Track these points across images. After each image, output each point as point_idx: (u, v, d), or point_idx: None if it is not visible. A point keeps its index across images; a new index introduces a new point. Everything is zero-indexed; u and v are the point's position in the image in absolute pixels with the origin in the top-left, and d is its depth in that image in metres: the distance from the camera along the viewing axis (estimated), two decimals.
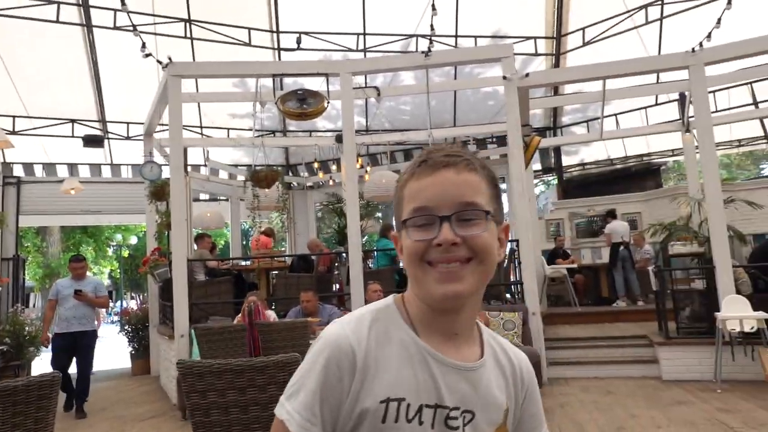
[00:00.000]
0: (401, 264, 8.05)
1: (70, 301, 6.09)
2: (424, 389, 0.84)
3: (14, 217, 10.39)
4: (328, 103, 7.07)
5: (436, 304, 0.86)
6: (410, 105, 11.70)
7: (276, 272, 7.77)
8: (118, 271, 24.70)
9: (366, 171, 9.59)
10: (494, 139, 11.26)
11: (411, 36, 10.19)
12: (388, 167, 9.80)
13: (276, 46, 10.33)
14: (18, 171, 11.01)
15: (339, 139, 9.73)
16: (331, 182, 11.00)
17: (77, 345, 6.09)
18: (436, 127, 9.02)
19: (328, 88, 7.11)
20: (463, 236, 0.82)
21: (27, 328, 8.43)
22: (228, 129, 11.51)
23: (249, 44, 9.94)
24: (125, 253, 23.96)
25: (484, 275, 0.85)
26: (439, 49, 8.13)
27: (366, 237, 11.82)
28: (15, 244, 10.51)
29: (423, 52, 6.93)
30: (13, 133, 10.04)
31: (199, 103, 10.62)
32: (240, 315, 5.85)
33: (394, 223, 0.96)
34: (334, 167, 10.92)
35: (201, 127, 11.30)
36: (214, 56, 9.94)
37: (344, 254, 7.93)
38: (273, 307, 6.78)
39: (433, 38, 7.53)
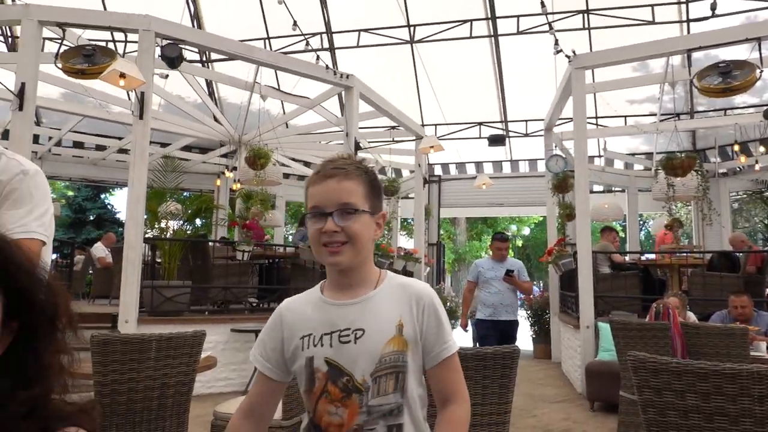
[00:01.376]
0: None
1: (493, 284, 5.59)
2: (321, 324, 1.25)
3: (437, 210, 12.34)
4: (761, 72, 5.93)
5: (330, 268, 1.28)
6: None
7: (691, 269, 6.98)
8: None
9: None
10: None
11: None
12: None
13: (685, 18, 9.26)
14: (438, 170, 13.01)
15: None
16: (756, 167, 9.24)
17: (502, 335, 5.54)
18: None
19: (761, 53, 5.97)
20: (342, 226, 1.22)
21: (448, 304, 9.88)
22: (625, 116, 10.96)
23: (653, 22, 9.20)
24: (519, 243, 25.68)
25: (356, 251, 1.24)
26: None
27: None
28: (437, 232, 12.49)
29: None
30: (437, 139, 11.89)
31: (594, 93, 10.44)
32: (649, 315, 5.48)
33: None
34: (761, 149, 9.13)
35: (596, 117, 11.09)
36: (612, 42, 9.58)
37: None
38: (688, 308, 6.10)
39: None
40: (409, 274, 9.81)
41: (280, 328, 1.31)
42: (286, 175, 12.02)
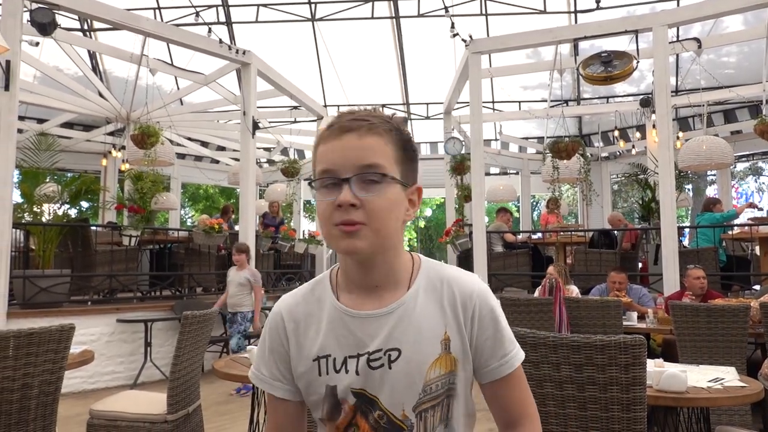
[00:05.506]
0: (723, 244, 6.95)
1: None
2: (345, 343, 0.95)
3: None
4: (638, 62, 6.41)
5: (345, 259, 0.97)
6: (735, 56, 9.84)
7: (575, 247, 7.47)
8: (416, 240, 27.31)
9: (677, 137, 8.44)
10: None
11: None
12: (705, 132, 8.45)
13: (573, 9, 9.78)
14: None
15: (644, 103, 8.76)
16: (633, 151, 10.04)
17: None
18: None
19: (637, 46, 6.43)
20: (362, 198, 0.88)
21: None
22: (519, 102, 11.46)
23: (544, 11, 9.63)
24: (421, 224, 26.29)
25: (382, 235, 0.90)
26: None
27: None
28: None
29: None
30: None
31: (491, 78, 10.81)
32: (540, 288, 5.81)
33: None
34: (637, 135, 9.92)
35: (493, 102, 11.50)
36: (507, 30, 9.94)
37: (652, 230, 7.17)
38: (572, 283, 6.54)
39: None
40: (312, 256, 9.72)
41: (284, 340, 1.00)
42: (181, 155, 11.42)
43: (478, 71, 7.09)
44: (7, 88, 5.42)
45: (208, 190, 20.44)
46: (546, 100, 10.06)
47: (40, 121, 10.04)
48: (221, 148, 12.11)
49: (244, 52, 7.36)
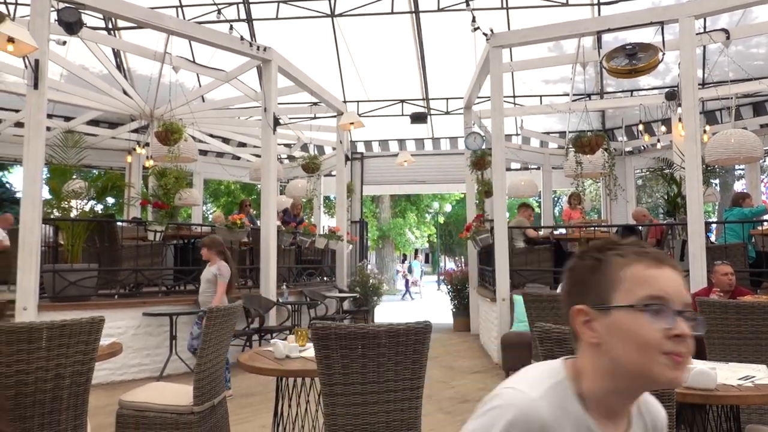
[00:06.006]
0: (752, 240, 6.79)
1: None
2: None
3: (359, 187, 12.30)
4: (663, 55, 6.29)
5: (653, 386, 0.91)
6: (765, 47, 9.60)
7: None
8: (435, 235, 27.27)
9: (704, 130, 8.27)
10: None
11: None
12: (733, 125, 8.27)
13: (596, 1, 9.63)
14: (360, 148, 12.94)
15: (670, 96, 8.61)
16: (658, 145, 9.87)
17: None
18: None
19: (663, 38, 6.31)
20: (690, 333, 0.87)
21: (371, 281, 9.93)
22: (541, 96, 11.34)
23: (566, 4, 9.50)
24: (441, 219, 26.26)
25: None
26: None
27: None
28: (360, 209, 12.48)
29: None
30: (359, 116, 11.79)
31: (512, 72, 10.71)
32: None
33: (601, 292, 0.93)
34: (662, 128, 9.74)
35: (514, 96, 11.39)
36: (528, 23, 9.83)
37: (678, 226, 7.05)
38: None
39: None
40: (332, 252, 9.76)
41: None
42: (203, 152, 11.54)
43: (499, 65, 7.03)
44: (36, 86, 5.54)
45: (230, 186, 20.65)
46: (568, 94, 9.94)
47: (67, 118, 10.23)
48: (242, 145, 12.21)
49: (264, 49, 7.41)
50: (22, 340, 2.40)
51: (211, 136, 11.37)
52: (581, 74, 10.31)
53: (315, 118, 10.44)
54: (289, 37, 10.68)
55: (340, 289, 9.38)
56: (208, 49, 8.05)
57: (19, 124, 9.87)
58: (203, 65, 9.24)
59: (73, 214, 6.21)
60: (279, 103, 8.60)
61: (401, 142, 12.83)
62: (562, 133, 11.37)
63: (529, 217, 7.95)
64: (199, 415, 3.11)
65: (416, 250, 31.20)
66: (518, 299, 5.90)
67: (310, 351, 3.20)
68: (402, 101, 11.99)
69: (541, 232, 8.37)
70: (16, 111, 9.64)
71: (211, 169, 12.34)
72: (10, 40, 4.87)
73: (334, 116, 10.12)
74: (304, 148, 12.24)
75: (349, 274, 10.08)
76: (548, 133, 11.75)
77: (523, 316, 5.71)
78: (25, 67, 8.24)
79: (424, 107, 11.89)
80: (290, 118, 10.67)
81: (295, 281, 8.48)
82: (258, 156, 11.28)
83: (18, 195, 18.76)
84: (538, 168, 11.76)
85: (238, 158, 12.66)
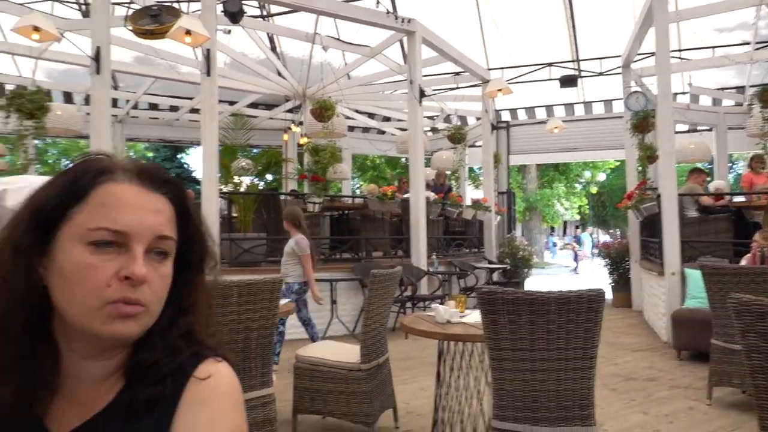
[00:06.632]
0: None
1: None
2: None
3: (506, 157, 11.97)
4: None
5: None
6: None
7: None
8: (587, 207, 25.75)
9: None
10: None
11: None
12: None
13: None
14: (505, 117, 12.54)
15: None
16: None
17: None
18: None
19: None
20: None
21: (521, 252, 9.68)
22: (713, 47, 10.03)
23: None
24: (593, 189, 24.69)
25: None
26: None
27: None
28: (506, 180, 12.16)
29: None
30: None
31: (678, 23, 9.59)
32: (749, 257, 5.11)
33: None
34: None
35: (680, 50, 10.22)
36: None
37: None
38: None
39: None
40: (480, 223, 9.66)
41: None
42: (351, 128, 11.98)
43: (665, 15, 6.34)
44: (208, 73, 6.12)
45: (375, 161, 21.31)
46: (749, 43, 8.68)
47: (231, 103, 11.21)
48: (387, 119, 12.47)
49: (408, 21, 7.43)
50: (217, 296, 2.69)
51: (357, 111, 11.76)
52: (766, 18, 8.94)
53: (458, 87, 10.30)
54: (431, 6, 10.59)
55: (489, 260, 9.28)
56: (352, 27, 8.26)
57: (193, 111, 11.04)
58: (349, 43, 9.53)
59: (243, 188, 6.82)
60: (423, 75, 8.60)
61: (549, 109, 12.21)
62: (740, 88, 10.01)
63: (702, 184, 7.14)
64: (366, 372, 3.27)
65: (565, 222, 29.76)
66: (692, 273, 5.36)
67: (469, 317, 3.21)
68: (549, 65, 11.35)
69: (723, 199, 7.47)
70: (190, 99, 10.77)
71: (358, 145, 12.80)
72: (188, 32, 5.41)
73: (478, 85, 9.89)
74: (447, 119, 12.18)
75: (497, 245, 9.92)
76: (723, 89, 10.42)
77: (697, 292, 5.20)
78: (197, 57, 9.13)
79: (574, 69, 11.15)
80: (433, 90, 10.65)
81: (443, 252, 8.55)
82: (403, 129, 11.44)
83: (194, 174, 21.16)
84: (710, 129, 10.50)
85: (383, 132, 12.97)
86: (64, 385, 0.72)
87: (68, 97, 10.62)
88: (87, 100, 9.94)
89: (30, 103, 6.24)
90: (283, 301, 3.39)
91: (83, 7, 10.57)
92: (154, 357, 0.72)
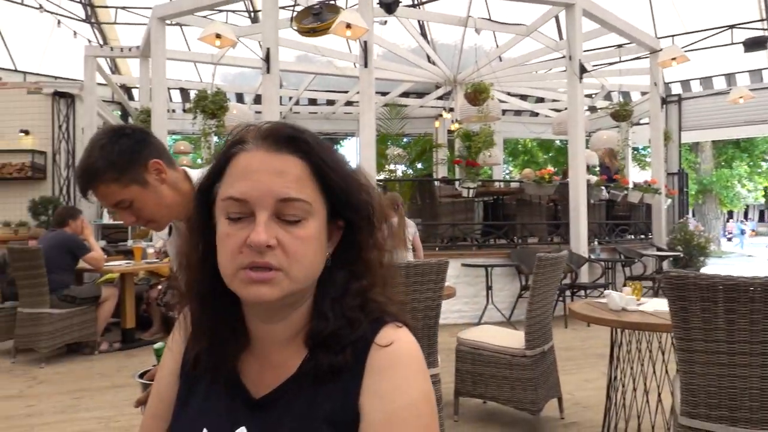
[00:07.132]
0: None
1: None
2: None
3: (677, 134, 10.83)
4: None
5: None
6: None
7: None
8: None
9: None
10: None
11: None
12: None
13: None
14: (676, 89, 11.33)
15: None
16: None
17: None
18: None
19: None
20: None
21: (696, 239, 8.73)
22: None
23: None
24: None
25: None
26: None
27: None
28: (678, 159, 11.00)
29: None
30: None
31: None
32: None
33: None
34: None
35: None
36: None
37: None
38: None
39: None
40: (647, 207, 8.89)
41: None
42: (503, 111, 11.69)
43: None
44: (366, 65, 6.35)
45: (527, 144, 20.58)
46: None
47: (383, 93, 11.54)
48: (540, 100, 11.95)
49: None
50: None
51: (509, 94, 11.42)
52: None
53: (621, 61, 9.50)
54: None
55: (658, 247, 8.49)
56: (503, 6, 8.00)
57: (348, 103, 11.57)
58: (502, 22, 9.27)
59: (398, 175, 7.01)
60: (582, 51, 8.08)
61: (729, 77, 10.81)
62: None
63: None
64: (531, 358, 3.18)
65: (747, 207, 26.18)
66: None
67: (647, 305, 2.96)
68: (731, 27, 10.00)
69: None
70: (345, 92, 11.29)
71: (510, 128, 12.45)
72: (348, 26, 5.65)
73: (645, 56, 9.04)
74: (607, 96, 11.34)
75: (667, 231, 9.04)
76: None
77: None
78: (351, 52, 9.51)
79: (763, 30, 9.70)
80: (593, 65, 9.96)
81: (606, 238, 8.01)
82: (558, 110, 10.90)
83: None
84: None
85: (536, 114, 12.46)
86: (255, 347, 0.76)
87: (239, 98, 11.73)
88: (255, 100, 10.93)
89: (212, 104, 6.98)
90: None
91: (252, 14, 11.60)
92: (329, 327, 0.72)
